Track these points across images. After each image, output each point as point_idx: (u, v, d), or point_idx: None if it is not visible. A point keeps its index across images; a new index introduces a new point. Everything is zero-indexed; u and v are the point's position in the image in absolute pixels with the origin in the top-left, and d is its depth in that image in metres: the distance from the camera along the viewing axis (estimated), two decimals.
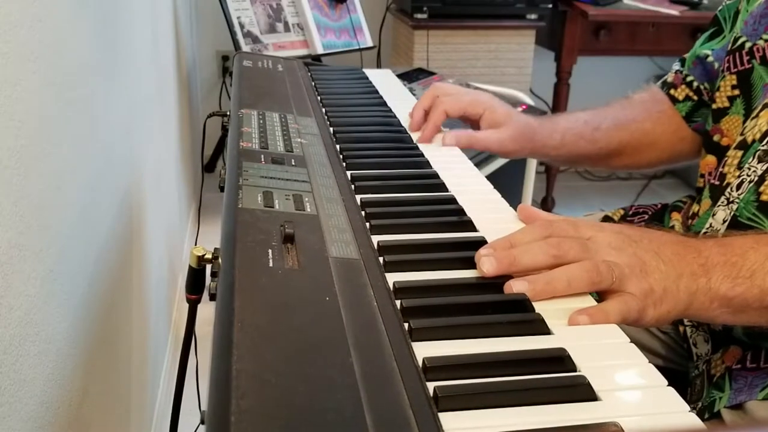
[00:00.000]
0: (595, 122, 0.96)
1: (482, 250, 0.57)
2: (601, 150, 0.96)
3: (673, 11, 2.45)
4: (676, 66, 0.98)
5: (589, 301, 0.54)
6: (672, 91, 0.96)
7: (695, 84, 0.93)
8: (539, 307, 0.53)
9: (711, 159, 0.85)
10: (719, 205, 0.75)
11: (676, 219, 0.91)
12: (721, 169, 0.78)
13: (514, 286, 0.54)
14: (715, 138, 0.85)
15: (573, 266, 0.54)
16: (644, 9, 2.48)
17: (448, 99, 0.93)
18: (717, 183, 0.78)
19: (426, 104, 0.94)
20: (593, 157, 0.98)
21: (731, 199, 0.74)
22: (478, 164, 0.93)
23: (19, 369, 0.59)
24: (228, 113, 0.92)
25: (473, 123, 0.96)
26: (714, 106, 0.86)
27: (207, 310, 0.54)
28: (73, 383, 0.74)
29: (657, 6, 2.49)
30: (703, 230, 0.76)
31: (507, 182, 1.69)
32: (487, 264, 0.55)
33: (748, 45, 0.81)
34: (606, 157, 0.98)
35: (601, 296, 0.55)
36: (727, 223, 0.73)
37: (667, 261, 0.57)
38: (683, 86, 0.95)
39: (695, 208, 0.84)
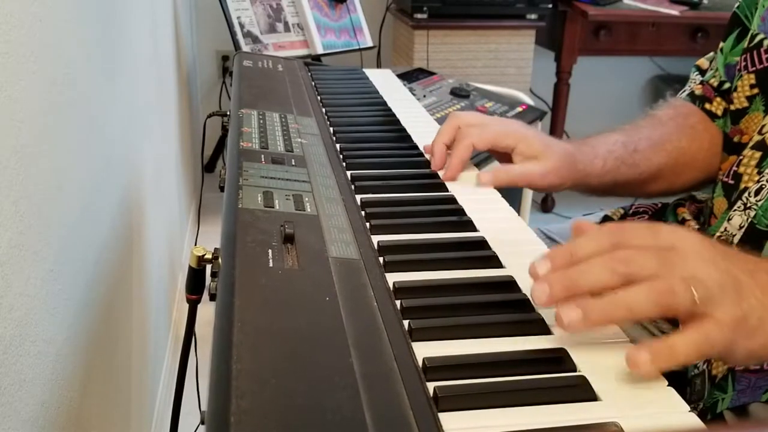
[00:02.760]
0: (631, 144, 0.86)
1: (539, 267, 0.48)
2: (641, 175, 0.87)
3: (673, 11, 2.45)
4: (697, 75, 0.92)
5: None
6: (708, 106, 0.88)
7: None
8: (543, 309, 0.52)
9: (734, 159, 0.81)
10: (735, 210, 0.73)
11: (683, 213, 0.87)
12: (735, 168, 0.76)
13: (564, 316, 0.45)
14: (735, 139, 0.82)
15: (638, 289, 0.45)
16: (644, 9, 2.48)
17: (473, 130, 0.81)
18: (732, 182, 0.76)
19: (447, 138, 0.82)
20: (632, 183, 0.88)
21: (748, 205, 0.72)
22: (478, 164, 0.92)
23: (19, 369, 0.58)
24: (228, 113, 0.92)
25: (501, 157, 0.85)
26: (732, 107, 0.83)
27: (207, 310, 0.54)
28: (73, 383, 0.74)
29: (657, 6, 2.49)
30: (717, 234, 0.75)
31: None
32: (538, 292, 0.46)
33: (766, 42, 0.78)
34: (644, 183, 0.88)
35: (680, 321, 0.47)
36: (743, 230, 0.72)
37: (764, 287, 0.47)
38: (718, 98, 0.87)
39: (709, 204, 0.81)
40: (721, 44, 0.89)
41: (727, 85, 0.87)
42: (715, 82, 0.89)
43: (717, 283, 0.45)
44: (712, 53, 0.92)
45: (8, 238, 0.57)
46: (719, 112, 0.87)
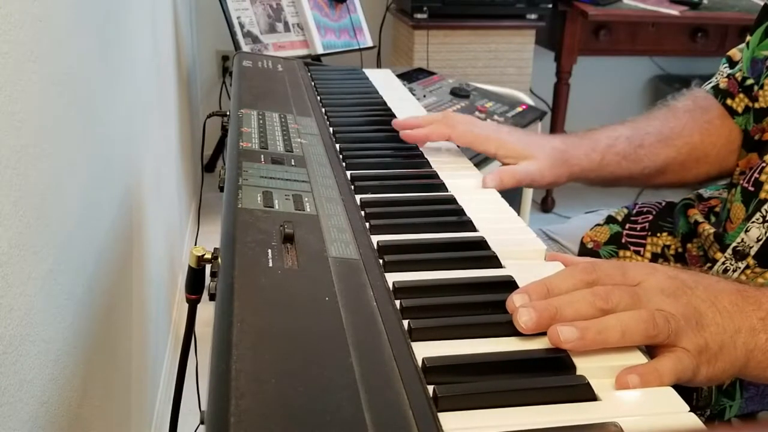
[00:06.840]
0: (637, 138, 0.86)
1: (516, 298, 0.50)
2: (645, 169, 0.86)
3: (673, 11, 2.45)
4: (725, 67, 0.89)
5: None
6: (729, 102, 0.86)
7: (755, 88, 0.84)
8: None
9: (753, 156, 0.81)
10: (754, 222, 0.72)
11: (695, 214, 0.85)
12: (756, 175, 0.74)
13: (562, 333, 0.46)
14: (756, 137, 0.81)
15: (627, 315, 0.48)
16: (644, 9, 2.48)
17: (459, 126, 0.83)
18: (752, 189, 0.75)
19: (428, 124, 0.85)
20: (635, 177, 0.87)
21: (767, 218, 0.71)
22: (478, 164, 0.92)
23: (19, 369, 0.59)
24: (228, 113, 0.92)
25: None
26: (757, 105, 0.81)
27: (207, 310, 0.54)
28: (73, 383, 0.74)
29: (657, 6, 2.49)
30: (734, 244, 0.74)
31: None
32: (525, 316, 0.47)
33: None
34: (649, 177, 0.88)
35: (651, 350, 0.49)
36: (761, 243, 0.71)
37: (724, 313, 0.51)
38: (741, 95, 0.85)
39: (727, 206, 0.80)
40: (748, 37, 0.85)
41: (749, 82, 0.84)
42: (740, 77, 0.86)
43: (682, 316, 0.49)
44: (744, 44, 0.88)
45: (8, 238, 0.57)
46: (740, 109, 0.85)
